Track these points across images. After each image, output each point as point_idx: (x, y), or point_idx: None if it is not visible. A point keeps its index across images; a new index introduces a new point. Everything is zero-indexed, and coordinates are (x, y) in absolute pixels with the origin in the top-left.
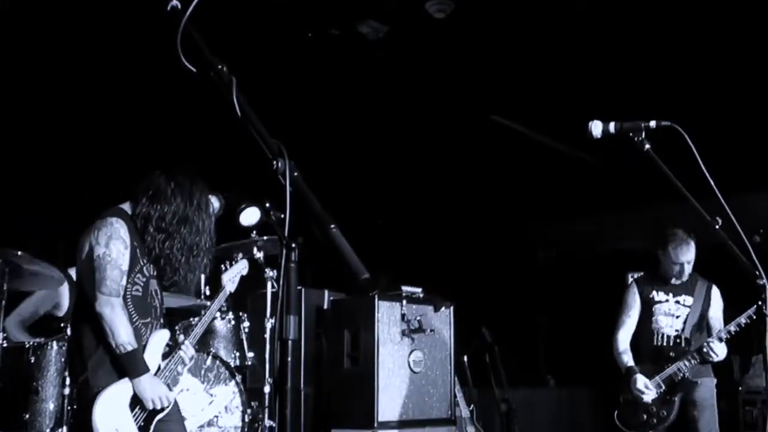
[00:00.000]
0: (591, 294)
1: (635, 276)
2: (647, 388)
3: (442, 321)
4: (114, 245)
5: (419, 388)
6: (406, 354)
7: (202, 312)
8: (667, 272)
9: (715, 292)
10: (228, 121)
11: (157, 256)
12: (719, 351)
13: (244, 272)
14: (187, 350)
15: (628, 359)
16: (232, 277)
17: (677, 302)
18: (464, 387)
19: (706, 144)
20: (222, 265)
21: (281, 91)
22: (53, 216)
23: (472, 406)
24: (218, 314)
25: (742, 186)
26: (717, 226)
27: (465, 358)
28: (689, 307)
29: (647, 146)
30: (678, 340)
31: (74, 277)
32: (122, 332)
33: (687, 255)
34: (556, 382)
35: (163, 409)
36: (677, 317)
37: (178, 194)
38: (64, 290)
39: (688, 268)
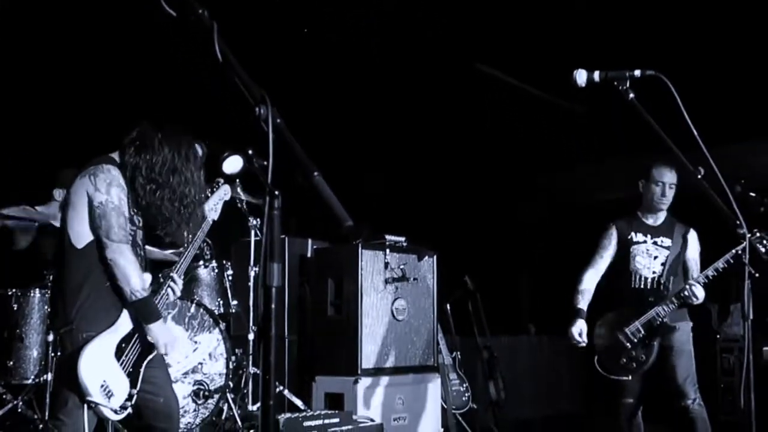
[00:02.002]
0: (574, 243)
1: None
2: (580, 336)
3: (426, 269)
4: (115, 192)
5: (402, 336)
6: (390, 302)
7: (185, 245)
8: (649, 201)
9: (692, 235)
10: (210, 68)
11: (147, 206)
12: (699, 294)
13: (227, 197)
14: (177, 280)
15: (581, 299)
16: (214, 204)
17: (655, 243)
18: (447, 335)
19: (689, 94)
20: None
21: (263, 40)
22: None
23: (454, 353)
24: (201, 262)
25: (724, 137)
26: (699, 176)
27: (448, 306)
28: (667, 248)
29: (631, 95)
30: (657, 284)
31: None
32: (136, 278)
33: (669, 177)
34: (537, 330)
35: (152, 350)
36: (655, 258)
37: (166, 145)
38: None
39: (669, 194)
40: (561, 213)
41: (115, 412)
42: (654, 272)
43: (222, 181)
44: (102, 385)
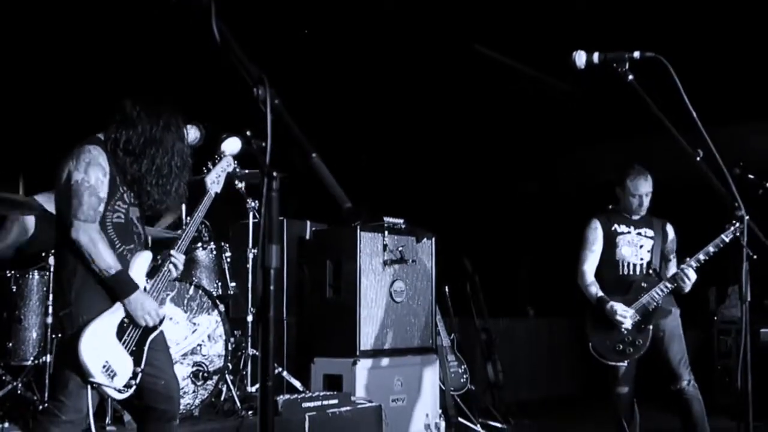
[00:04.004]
0: (574, 226)
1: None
2: (626, 312)
3: (424, 252)
4: (92, 171)
5: (401, 318)
6: (388, 284)
7: (188, 219)
8: (627, 207)
9: (669, 227)
10: (209, 49)
11: (131, 180)
12: (692, 277)
13: (230, 169)
14: (179, 257)
15: (597, 290)
16: (216, 177)
17: (639, 234)
18: (445, 316)
19: (687, 76)
20: (203, 168)
21: (262, 21)
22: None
23: (452, 335)
24: (200, 244)
25: (722, 119)
26: (698, 158)
27: (446, 288)
28: (651, 238)
29: (630, 77)
30: (647, 270)
31: (42, 203)
32: (104, 256)
33: (645, 187)
34: (536, 312)
35: (155, 328)
36: (641, 247)
37: (144, 116)
38: (30, 217)
39: (646, 201)
40: (561, 195)
41: (119, 391)
42: (642, 259)
43: (225, 152)
44: (104, 366)
